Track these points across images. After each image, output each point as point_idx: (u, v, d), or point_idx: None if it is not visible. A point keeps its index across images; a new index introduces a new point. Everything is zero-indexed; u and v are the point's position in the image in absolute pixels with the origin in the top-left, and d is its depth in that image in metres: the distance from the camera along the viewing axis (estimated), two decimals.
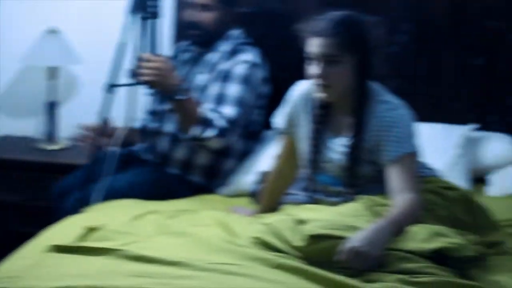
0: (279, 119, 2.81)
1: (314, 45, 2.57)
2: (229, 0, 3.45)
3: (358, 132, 2.61)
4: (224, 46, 3.40)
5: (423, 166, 2.73)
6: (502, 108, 3.62)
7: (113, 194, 3.14)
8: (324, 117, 2.68)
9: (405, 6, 3.58)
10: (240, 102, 3.26)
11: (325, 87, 2.58)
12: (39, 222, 3.41)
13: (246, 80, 3.30)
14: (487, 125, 3.58)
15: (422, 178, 2.65)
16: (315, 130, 2.69)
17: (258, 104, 3.40)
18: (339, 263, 2.30)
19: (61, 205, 3.29)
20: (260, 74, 3.37)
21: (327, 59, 2.55)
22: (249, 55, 3.37)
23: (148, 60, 3.12)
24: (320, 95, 2.61)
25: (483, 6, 3.58)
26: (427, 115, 3.38)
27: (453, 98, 3.62)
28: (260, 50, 3.44)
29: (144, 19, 3.15)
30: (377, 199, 2.57)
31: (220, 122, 3.18)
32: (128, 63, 3.21)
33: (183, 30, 3.52)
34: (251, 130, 3.41)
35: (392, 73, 3.51)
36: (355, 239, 2.30)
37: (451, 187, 2.67)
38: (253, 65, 3.34)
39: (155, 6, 3.16)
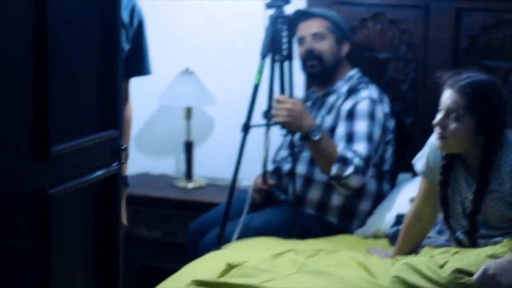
0: (418, 161, 2.86)
1: (445, 95, 2.67)
2: (340, 28, 3.54)
3: (483, 178, 2.66)
4: (344, 87, 3.49)
5: None
6: None
7: (250, 232, 3.25)
8: (448, 166, 2.74)
9: None
10: (369, 138, 3.33)
11: (441, 137, 2.67)
12: (174, 258, 3.52)
13: (371, 116, 3.37)
14: None
15: None
16: (441, 179, 2.75)
17: (386, 139, 3.46)
18: None
19: (198, 242, 3.40)
20: (382, 108, 3.43)
21: (449, 112, 2.64)
22: (369, 92, 3.44)
23: (282, 102, 3.24)
24: (437, 143, 2.70)
25: None
26: None
27: None
28: (377, 86, 3.51)
29: (277, 61, 3.28)
30: None
31: (356, 160, 3.26)
32: (262, 105, 3.35)
33: (304, 64, 3.58)
34: (383, 169, 3.47)
35: None
36: (491, 264, 2.43)
37: None
38: (374, 101, 3.41)
39: (289, 49, 3.27)
